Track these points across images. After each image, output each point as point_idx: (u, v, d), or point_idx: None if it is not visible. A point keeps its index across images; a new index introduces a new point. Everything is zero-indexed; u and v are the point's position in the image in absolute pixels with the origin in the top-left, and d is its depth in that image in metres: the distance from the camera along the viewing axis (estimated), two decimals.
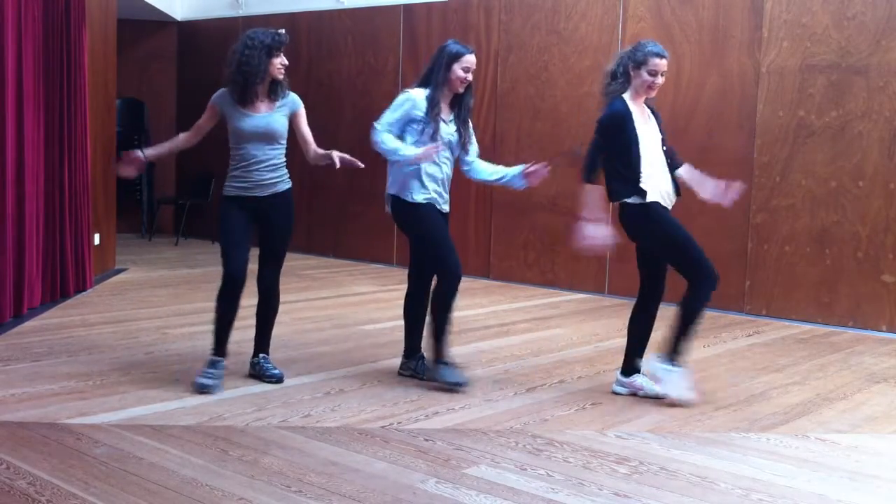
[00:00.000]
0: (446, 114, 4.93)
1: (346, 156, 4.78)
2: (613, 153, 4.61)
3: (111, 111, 8.35)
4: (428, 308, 4.91)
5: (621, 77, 4.71)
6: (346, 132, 9.56)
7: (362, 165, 4.77)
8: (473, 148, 5.04)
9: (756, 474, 3.67)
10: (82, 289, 7.23)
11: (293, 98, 4.88)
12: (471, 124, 5.05)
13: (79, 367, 4.95)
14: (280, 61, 4.77)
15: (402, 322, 5.11)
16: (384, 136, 4.88)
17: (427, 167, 4.86)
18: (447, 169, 4.96)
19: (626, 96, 4.66)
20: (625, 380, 4.83)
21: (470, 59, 4.85)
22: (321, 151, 4.85)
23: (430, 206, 4.89)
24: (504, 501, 3.32)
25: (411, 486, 3.43)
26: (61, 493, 3.24)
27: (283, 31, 4.88)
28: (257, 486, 3.36)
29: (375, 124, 4.95)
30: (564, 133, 8.12)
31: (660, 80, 4.60)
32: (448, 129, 4.91)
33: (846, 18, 6.75)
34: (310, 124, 5.02)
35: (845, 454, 3.96)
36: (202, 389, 4.57)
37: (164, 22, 11.01)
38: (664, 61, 4.60)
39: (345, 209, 9.68)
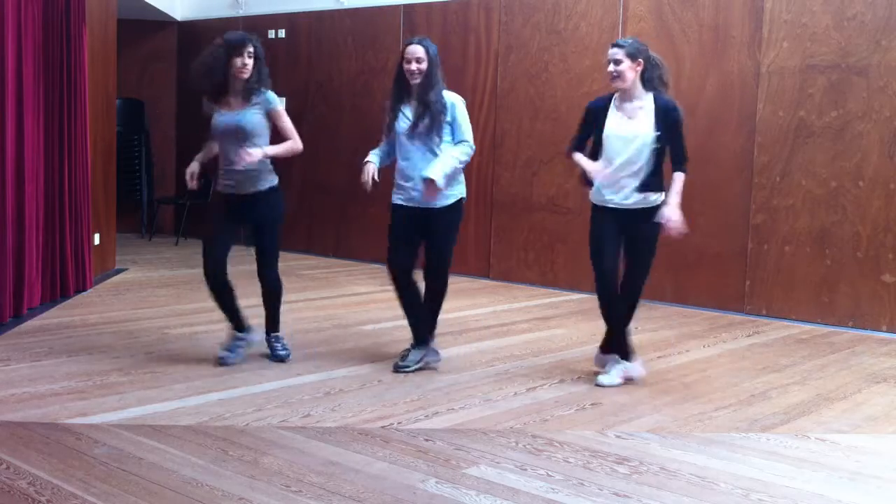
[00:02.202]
0: (414, 108, 5.05)
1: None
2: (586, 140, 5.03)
3: (111, 111, 8.34)
4: (421, 297, 5.27)
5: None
6: (346, 132, 9.56)
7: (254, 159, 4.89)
8: (457, 135, 5.05)
9: (756, 474, 3.67)
10: (82, 289, 7.23)
11: (268, 97, 4.98)
12: (438, 114, 4.98)
13: (79, 367, 4.95)
14: (241, 61, 4.87)
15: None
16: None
17: (400, 164, 5.13)
18: (421, 161, 5.01)
19: (617, 94, 4.92)
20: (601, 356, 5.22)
21: (409, 50, 5.02)
22: (289, 139, 5.03)
23: (396, 208, 5.21)
24: (504, 501, 3.32)
25: (411, 486, 3.43)
26: (61, 493, 3.24)
27: (248, 34, 4.97)
28: (257, 486, 3.36)
29: None
30: (564, 133, 8.10)
31: (611, 67, 4.82)
32: (405, 123, 5.06)
33: (846, 18, 6.75)
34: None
35: (845, 454, 3.96)
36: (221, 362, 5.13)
37: (164, 22, 11.01)
38: (613, 49, 4.84)
39: (345, 209, 9.68)
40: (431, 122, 4.97)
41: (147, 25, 10.99)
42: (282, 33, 10.03)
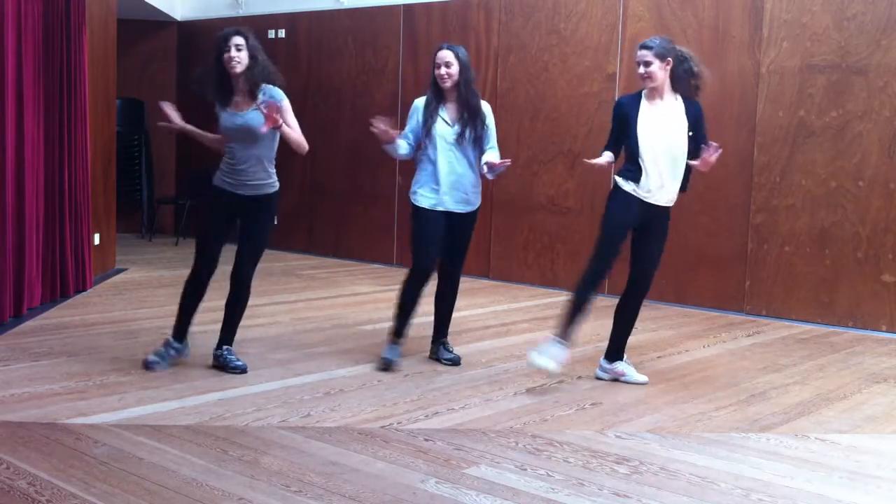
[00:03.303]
0: (451, 114, 5.14)
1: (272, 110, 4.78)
2: (622, 138, 4.96)
3: (111, 111, 8.34)
4: (444, 296, 5.45)
5: None
6: (346, 132, 9.56)
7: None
8: (489, 145, 5.21)
9: (756, 474, 3.67)
10: (82, 289, 7.23)
11: (272, 93, 4.86)
12: (486, 122, 5.17)
13: (79, 367, 4.95)
14: (227, 55, 4.78)
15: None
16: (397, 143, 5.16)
17: (432, 168, 5.12)
18: (461, 168, 5.15)
19: (644, 91, 4.93)
20: (607, 366, 5.10)
21: (439, 55, 5.09)
22: (294, 136, 4.86)
23: (426, 211, 5.16)
24: (504, 501, 3.32)
25: (411, 486, 3.43)
26: (61, 493, 3.24)
27: (239, 28, 4.91)
28: (257, 486, 3.36)
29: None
30: (564, 133, 8.12)
31: (641, 69, 4.85)
32: (446, 128, 5.11)
33: (846, 18, 6.75)
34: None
35: (845, 454, 3.96)
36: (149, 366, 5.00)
37: (164, 22, 11.00)
38: (643, 51, 4.86)
39: (345, 209, 9.68)
40: (479, 132, 5.13)
41: (147, 25, 10.99)
42: (282, 33, 10.03)
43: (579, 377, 5.13)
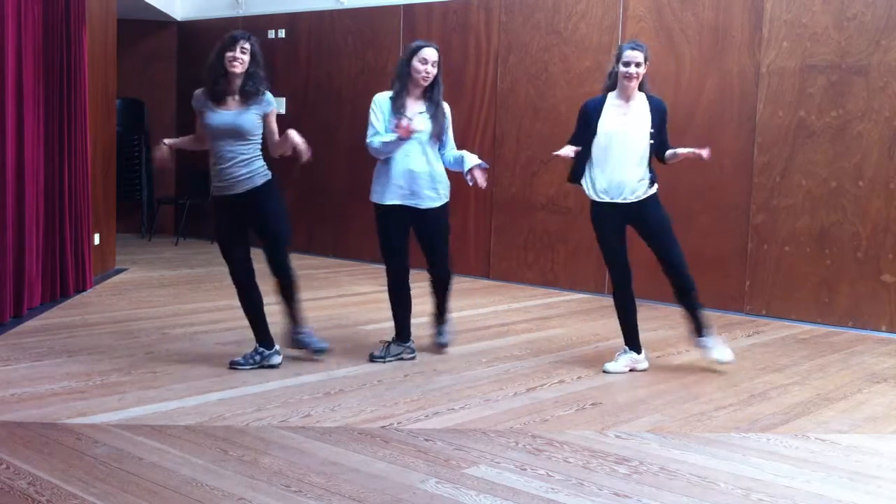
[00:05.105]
0: (414, 109, 5.17)
1: (299, 140, 4.90)
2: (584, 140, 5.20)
3: (111, 111, 8.34)
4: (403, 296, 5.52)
5: (610, 77, 5.22)
6: (346, 132, 9.56)
7: (307, 156, 4.94)
8: (447, 140, 5.29)
9: (756, 474, 3.67)
10: (82, 289, 7.23)
11: (268, 98, 4.99)
12: (444, 117, 5.24)
13: (79, 367, 4.95)
14: (231, 55, 4.88)
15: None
16: (372, 140, 5.17)
17: (397, 166, 5.15)
18: (423, 164, 5.19)
19: (613, 93, 5.17)
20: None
21: (427, 52, 5.12)
22: (278, 138, 5.01)
23: (389, 210, 5.22)
24: (504, 501, 3.32)
25: (411, 486, 3.43)
26: (61, 493, 3.24)
27: (248, 33, 5.03)
28: (257, 486, 3.36)
29: (367, 141, 5.20)
30: (564, 133, 8.07)
31: (633, 69, 5.05)
32: (414, 124, 5.14)
33: (846, 18, 6.74)
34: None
35: (845, 454, 3.96)
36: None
37: (164, 22, 11.01)
38: (636, 52, 5.06)
39: (345, 209, 9.68)
40: (444, 127, 5.22)
41: (147, 25, 10.99)
42: (282, 33, 10.03)
43: (579, 377, 5.13)
